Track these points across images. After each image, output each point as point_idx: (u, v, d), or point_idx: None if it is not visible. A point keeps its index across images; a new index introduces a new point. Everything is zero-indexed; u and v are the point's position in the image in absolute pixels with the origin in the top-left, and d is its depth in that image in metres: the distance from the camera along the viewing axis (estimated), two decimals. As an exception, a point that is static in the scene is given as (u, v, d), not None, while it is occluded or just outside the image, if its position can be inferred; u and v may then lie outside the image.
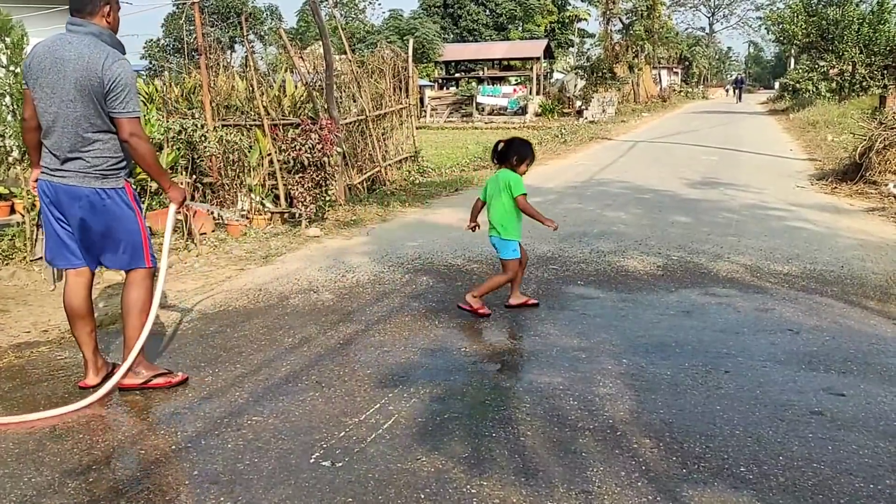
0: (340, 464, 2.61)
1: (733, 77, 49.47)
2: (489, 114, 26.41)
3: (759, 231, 6.65)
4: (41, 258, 3.43)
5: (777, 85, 45.23)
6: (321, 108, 7.56)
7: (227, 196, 6.76)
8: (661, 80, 42.51)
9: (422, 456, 2.67)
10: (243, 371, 3.48)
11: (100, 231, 3.07)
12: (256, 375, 3.43)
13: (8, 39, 5.06)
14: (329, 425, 2.91)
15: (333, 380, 3.37)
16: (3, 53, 5.07)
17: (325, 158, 6.45)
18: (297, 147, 6.37)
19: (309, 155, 6.33)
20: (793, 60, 42.12)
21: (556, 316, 4.29)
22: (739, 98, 41.04)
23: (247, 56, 7.92)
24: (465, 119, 25.69)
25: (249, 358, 3.66)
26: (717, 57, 71.12)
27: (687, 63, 52.25)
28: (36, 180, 3.20)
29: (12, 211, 6.37)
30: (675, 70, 49.30)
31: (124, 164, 3.11)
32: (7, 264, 5.25)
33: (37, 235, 3.36)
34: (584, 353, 3.70)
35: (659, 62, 41.46)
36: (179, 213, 3.39)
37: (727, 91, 46.09)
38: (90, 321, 3.22)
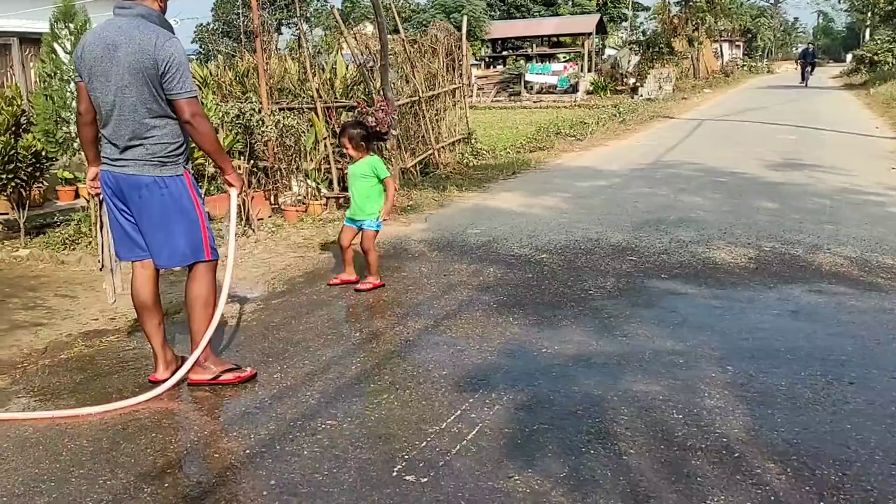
0: (425, 479, 2.44)
1: (801, 49, 39.35)
2: (538, 92, 25.84)
3: (859, 218, 6.18)
4: (103, 267, 3.35)
5: (849, 57, 42.67)
6: (375, 89, 7.39)
7: (282, 181, 6.67)
8: (722, 54, 40.91)
9: (514, 473, 2.47)
10: (312, 368, 3.35)
11: (158, 222, 2.97)
12: (326, 373, 3.29)
13: (71, 25, 5.05)
14: (408, 433, 2.75)
15: (408, 381, 3.21)
16: (67, 40, 5.06)
17: (382, 142, 6.26)
18: (353, 130, 6.19)
19: (366, 138, 6.15)
20: (868, 31, 39.83)
21: (642, 314, 4.03)
22: (807, 75, 29.47)
23: (299, 37, 7.80)
24: (512, 98, 25.19)
25: (317, 353, 3.52)
26: (782, 28, 68.14)
27: (750, 35, 50.19)
28: (93, 178, 3.14)
29: (77, 195, 6.46)
30: (736, 43, 47.39)
31: (183, 149, 3.01)
32: (73, 249, 5.30)
33: (102, 241, 3.27)
34: (682, 358, 3.43)
35: (720, 35, 39.84)
36: (238, 198, 3.26)
37: (797, 64, 32.98)
38: (158, 313, 3.14)
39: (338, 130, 6.54)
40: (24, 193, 5.45)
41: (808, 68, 29.69)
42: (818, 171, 8.71)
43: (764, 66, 47.44)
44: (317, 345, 3.64)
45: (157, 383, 3.14)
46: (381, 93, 7.22)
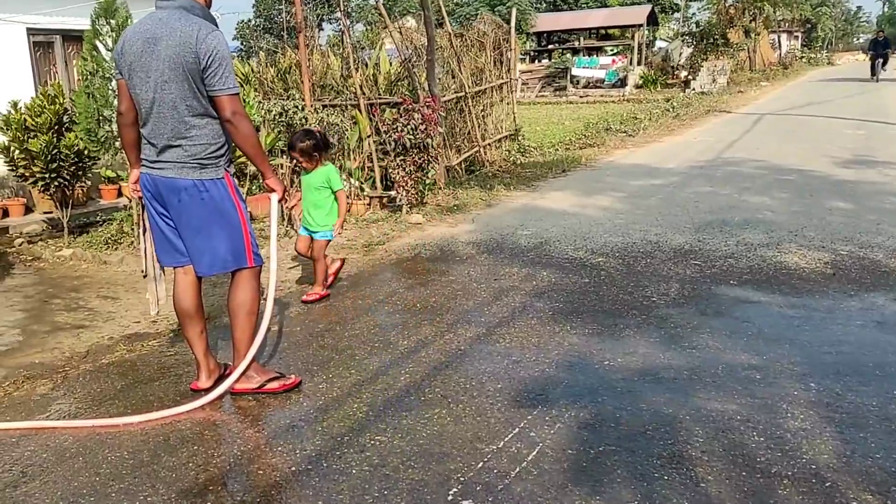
0: (484, 504, 2.29)
1: (869, 39, 33.89)
2: (584, 87, 25.39)
3: (945, 221, 5.78)
4: (146, 275, 3.30)
5: None
6: (419, 85, 7.28)
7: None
8: (780, 45, 39.58)
9: (580, 500, 2.30)
10: (359, 378, 3.24)
11: (198, 227, 2.89)
12: (374, 384, 3.17)
13: (112, 22, 5.07)
14: (463, 452, 2.60)
15: (460, 394, 3.06)
16: (109, 36, 5.08)
17: (429, 140, 6.14)
18: (399, 128, 6.09)
19: (411, 136, 6.05)
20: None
21: (712, 324, 3.79)
22: (878, 69, 24.71)
23: (342, 32, 7.74)
24: (557, 93, 24.80)
25: (364, 362, 3.41)
26: (843, 18, 65.57)
27: (809, 26, 48.42)
28: (136, 181, 3.07)
29: (119, 194, 6.53)
30: (795, 34, 45.78)
31: (224, 151, 2.91)
32: (116, 249, 5.33)
33: (145, 248, 3.22)
34: (759, 374, 3.20)
35: (778, 25, 38.53)
36: (279, 203, 3.16)
37: (867, 56, 27.20)
38: (200, 321, 3.07)
39: (385, 129, 6.47)
40: (67, 192, 5.52)
41: (880, 61, 24.61)
42: (893, 168, 8.23)
43: (824, 57, 45.71)
44: (363, 353, 3.53)
45: (198, 392, 3.08)
46: (427, 89, 7.10)
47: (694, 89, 22.44)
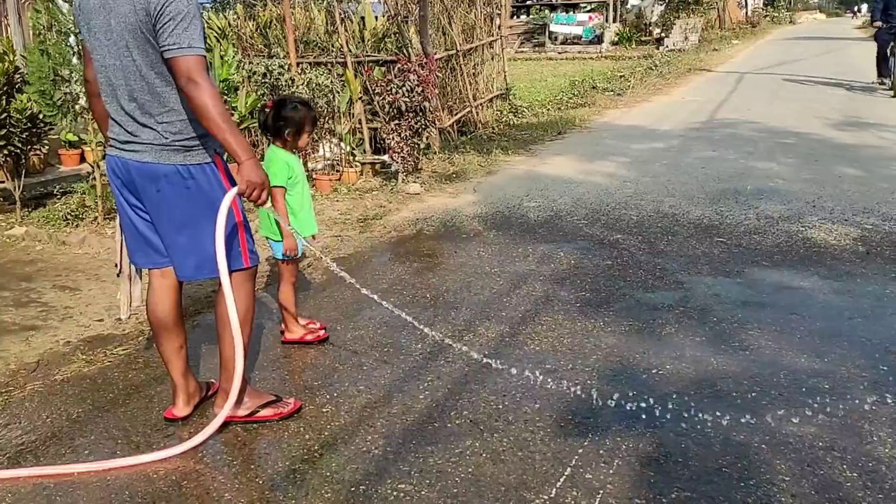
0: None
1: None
2: (562, 43, 24.40)
3: (962, 188, 5.26)
4: (121, 272, 2.55)
5: (864, 8, 39.97)
6: (409, 43, 6.42)
7: (309, 146, 5.80)
8: (746, 4, 38.63)
9: (668, 579, 1.73)
10: (369, 397, 2.59)
11: (183, 222, 2.18)
12: (388, 406, 2.54)
13: (70, -32, 4.14)
14: (508, 504, 2.00)
15: (493, 418, 2.44)
16: (68, -14, 4.16)
17: (426, 103, 5.35)
18: (393, 90, 5.29)
19: (407, 99, 5.25)
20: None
21: (758, 318, 3.21)
22: (892, 66, 10.30)
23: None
24: (537, 49, 23.78)
25: (373, 375, 2.76)
26: (803, -23, 64.37)
27: (773, -15, 47.36)
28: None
29: (82, 159, 5.64)
30: (759, -7, 44.77)
31: None
32: (76, 226, 4.51)
33: (120, 239, 2.45)
34: (826, 382, 2.64)
35: (745, -16, 37.41)
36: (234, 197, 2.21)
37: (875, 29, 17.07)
38: (180, 334, 2.38)
39: (372, 87, 5.64)
40: (20, 160, 4.63)
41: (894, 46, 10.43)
42: (886, 130, 7.69)
43: (787, 16, 44.92)
44: (371, 362, 2.87)
45: (174, 421, 2.42)
46: (420, 47, 6.26)
47: (667, 47, 21.65)
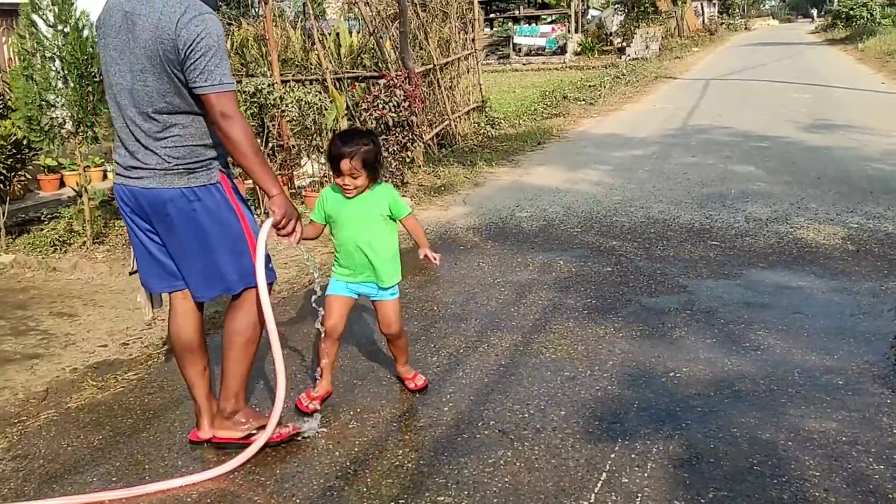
0: None
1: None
2: (526, 54, 24.81)
3: (937, 186, 5.51)
4: (134, 271, 2.49)
5: (815, 13, 41.56)
6: (388, 59, 6.46)
7: (294, 160, 5.77)
8: (703, 12, 39.88)
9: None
10: (392, 411, 2.58)
11: (193, 246, 2.16)
12: (414, 419, 2.53)
13: (55, -6, 4.06)
14: (549, 513, 2.01)
15: (522, 427, 2.46)
16: (50, 10, 4.08)
17: (413, 117, 5.38)
18: (380, 106, 5.31)
19: (394, 114, 5.28)
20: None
21: (763, 318, 3.30)
22: None
23: (304, 2, 6.79)
24: (501, 61, 24.11)
25: (392, 389, 2.75)
26: (754, -14, 66.76)
27: (726, -7, 49.00)
28: None
29: (62, 184, 5.50)
30: (713, 1, 46.27)
31: (215, 149, 2.18)
32: (66, 252, 4.39)
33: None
34: (840, 378, 2.73)
35: (700, -6, 38.63)
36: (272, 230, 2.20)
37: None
38: (203, 356, 2.35)
39: (366, 107, 5.61)
40: (4, 187, 4.51)
41: None
42: (854, 132, 8.02)
43: (741, 23, 46.53)
44: (388, 375, 2.86)
45: (199, 443, 2.38)
46: (402, 62, 6.30)
47: (630, 56, 22.18)
